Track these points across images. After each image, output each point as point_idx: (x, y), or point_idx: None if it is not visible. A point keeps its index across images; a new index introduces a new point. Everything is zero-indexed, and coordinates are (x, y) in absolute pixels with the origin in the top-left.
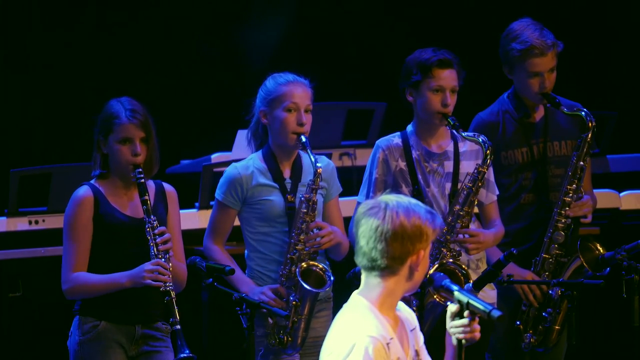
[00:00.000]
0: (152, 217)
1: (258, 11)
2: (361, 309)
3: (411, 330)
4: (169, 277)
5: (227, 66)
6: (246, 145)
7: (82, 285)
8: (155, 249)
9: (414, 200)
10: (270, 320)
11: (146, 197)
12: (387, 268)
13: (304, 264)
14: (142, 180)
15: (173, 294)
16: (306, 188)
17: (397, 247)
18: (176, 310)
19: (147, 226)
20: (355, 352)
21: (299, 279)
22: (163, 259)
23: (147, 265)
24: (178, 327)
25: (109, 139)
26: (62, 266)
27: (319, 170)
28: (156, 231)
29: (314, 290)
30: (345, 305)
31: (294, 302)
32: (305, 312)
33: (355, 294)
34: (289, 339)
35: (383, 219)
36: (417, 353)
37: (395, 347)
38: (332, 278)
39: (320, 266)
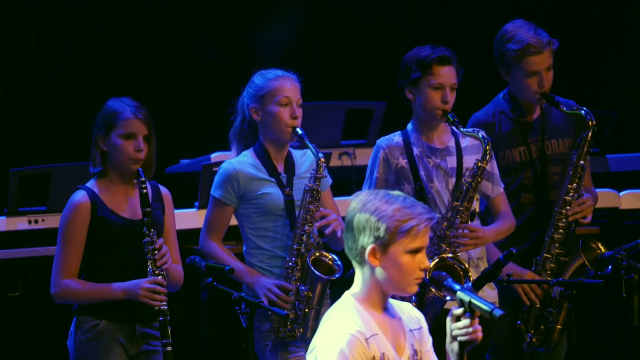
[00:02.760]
0: (152, 230)
1: (262, 12)
2: (344, 306)
3: (411, 330)
4: (165, 295)
5: (227, 66)
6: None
7: (73, 292)
8: (152, 266)
9: (394, 196)
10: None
11: (148, 210)
12: (360, 263)
13: (317, 252)
14: (145, 191)
15: (167, 314)
16: (309, 178)
17: (351, 240)
18: (169, 331)
19: (145, 240)
20: (331, 351)
21: (311, 267)
22: (160, 276)
23: (144, 283)
24: (169, 348)
25: (112, 134)
26: (53, 269)
27: (322, 160)
28: (156, 245)
29: (325, 277)
30: (334, 303)
31: (305, 293)
32: (315, 302)
33: (346, 292)
34: (301, 330)
35: (353, 209)
36: (416, 352)
37: (380, 343)
38: (341, 266)
39: (330, 256)
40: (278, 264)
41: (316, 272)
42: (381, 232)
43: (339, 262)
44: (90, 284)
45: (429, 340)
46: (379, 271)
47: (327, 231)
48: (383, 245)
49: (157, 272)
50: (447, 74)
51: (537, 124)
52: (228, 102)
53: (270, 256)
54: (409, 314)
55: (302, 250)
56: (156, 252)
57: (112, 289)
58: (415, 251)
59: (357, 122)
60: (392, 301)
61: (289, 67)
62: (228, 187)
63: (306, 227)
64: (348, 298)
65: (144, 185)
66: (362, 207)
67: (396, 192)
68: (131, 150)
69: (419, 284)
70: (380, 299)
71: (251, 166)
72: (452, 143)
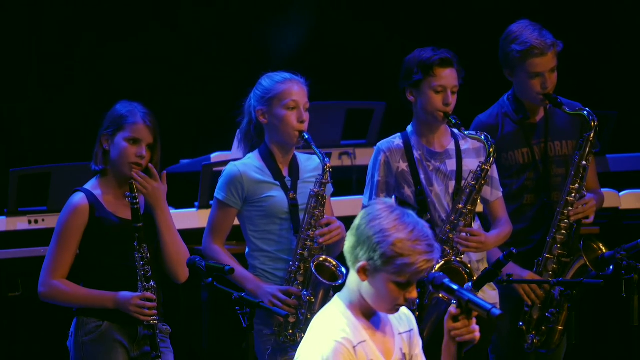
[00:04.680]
0: (144, 246)
1: (267, 13)
2: (333, 311)
3: (400, 334)
4: (155, 311)
5: (227, 65)
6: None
7: (61, 293)
8: (143, 282)
9: (406, 222)
10: (281, 319)
11: (140, 225)
12: (351, 269)
13: (320, 258)
14: (137, 207)
15: (156, 329)
16: (315, 183)
17: (351, 244)
18: (158, 343)
19: (136, 254)
20: (314, 358)
21: (315, 273)
22: (150, 291)
23: (136, 300)
24: None
25: (117, 135)
26: (43, 268)
27: (328, 165)
28: (146, 260)
29: (328, 283)
30: (325, 306)
31: (308, 297)
32: (317, 307)
33: (336, 295)
34: (302, 335)
35: (364, 217)
36: (404, 356)
37: (368, 350)
38: (345, 273)
39: (333, 262)
40: (281, 267)
41: (319, 277)
42: (375, 256)
43: (342, 269)
44: (80, 288)
45: (418, 343)
46: (365, 285)
47: (326, 243)
48: (374, 267)
49: (147, 286)
50: (448, 76)
51: (541, 125)
52: (228, 102)
53: (273, 258)
54: (399, 315)
55: (306, 255)
56: (147, 266)
57: (101, 297)
58: (404, 284)
59: (357, 122)
60: None
61: (288, 68)
62: (232, 190)
63: (310, 232)
64: (337, 302)
65: (135, 201)
66: (372, 220)
67: (410, 217)
68: (132, 155)
69: (398, 310)
70: (367, 306)
71: (256, 169)
72: (451, 146)
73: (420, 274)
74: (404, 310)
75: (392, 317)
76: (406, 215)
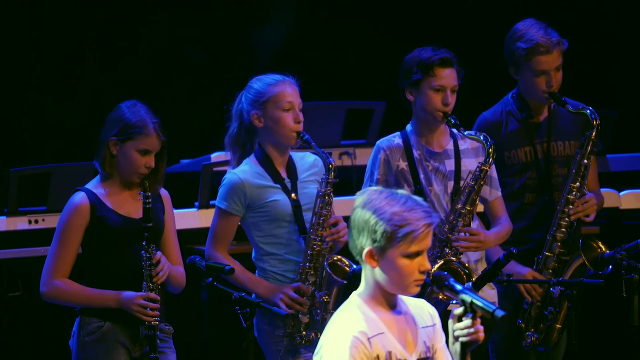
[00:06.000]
0: (152, 246)
1: (261, 12)
2: (349, 307)
3: (423, 328)
4: (158, 312)
5: (226, 65)
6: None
7: (63, 293)
8: (148, 281)
9: (397, 197)
10: (290, 321)
11: (150, 225)
12: (361, 262)
13: (335, 257)
14: (149, 206)
15: (157, 329)
16: (321, 183)
17: (352, 238)
18: (157, 344)
19: (142, 253)
20: (333, 354)
21: (329, 271)
22: (154, 292)
23: (139, 299)
24: None
25: (128, 144)
26: (45, 268)
27: (332, 164)
28: (154, 260)
29: (343, 281)
30: (342, 304)
31: (323, 297)
32: (330, 307)
33: (353, 292)
34: (318, 335)
35: (357, 205)
36: (429, 349)
37: (385, 342)
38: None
39: (346, 261)
40: (291, 268)
41: (334, 276)
42: (378, 236)
43: (355, 268)
44: (82, 287)
45: (442, 337)
46: (377, 272)
47: (336, 242)
48: (380, 248)
49: (151, 286)
50: (448, 76)
51: (544, 125)
52: (228, 102)
53: (283, 261)
54: (422, 310)
55: (316, 255)
56: (153, 267)
57: (104, 296)
58: (413, 255)
59: (357, 122)
60: (404, 298)
61: (289, 67)
62: (234, 198)
63: (319, 232)
64: (354, 298)
65: (148, 200)
66: (364, 204)
67: (400, 192)
68: (142, 165)
69: (419, 285)
70: (385, 297)
71: (256, 174)
72: (450, 146)
73: (424, 240)
74: (427, 306)
75: (416, 312)
76: (396, 192)
